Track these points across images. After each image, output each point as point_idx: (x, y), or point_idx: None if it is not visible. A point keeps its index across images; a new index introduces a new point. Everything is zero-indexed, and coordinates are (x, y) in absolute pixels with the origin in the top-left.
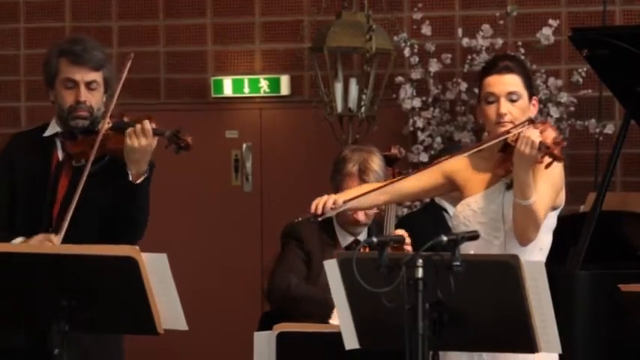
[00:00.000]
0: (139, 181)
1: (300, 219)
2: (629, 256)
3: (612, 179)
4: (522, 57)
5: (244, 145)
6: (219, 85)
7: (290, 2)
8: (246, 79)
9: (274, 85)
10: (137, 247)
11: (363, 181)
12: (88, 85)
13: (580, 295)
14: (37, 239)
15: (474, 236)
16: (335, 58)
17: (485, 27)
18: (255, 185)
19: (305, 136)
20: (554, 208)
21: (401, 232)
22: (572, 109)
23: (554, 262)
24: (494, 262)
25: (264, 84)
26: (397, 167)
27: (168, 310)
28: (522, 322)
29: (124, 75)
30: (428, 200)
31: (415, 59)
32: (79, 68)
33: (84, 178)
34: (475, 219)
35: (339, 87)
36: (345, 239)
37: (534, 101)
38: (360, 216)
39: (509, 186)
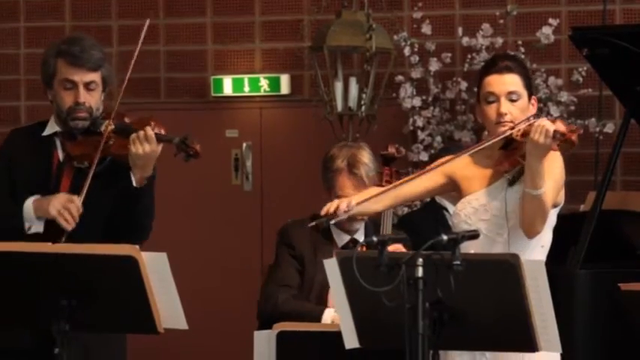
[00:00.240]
0: (142, 184)
1: (314, 223)
2: (629, 255)
3: (612, 178)
4: (522, 56)
5: (244, 145)
6: (219, 84)
7: (290, 1)
8: (246, 78)
9: (274, 84)
10: (137, 247)
11: (353, 175)
12: (87, 85)
13: (580, 294)
14: (58, 200)
15: (474, 235)
16: (335, 57)
17: (486, 26)
18: (255, 184)
19: (305, 136)
20: (554, 206)
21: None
22: (572, 108)
23: (555, 261)
24: (494, 261)
25: (264, 83)
26: (395, 166)
27: (169, 309)
28: (522, 321)
29: (139, 45)
30: (428, 199)
31: (415, 58)
32: (77, 69)
33: (88, 181)
34: (477, 216)
35: (339, 86)
36: (342, 238)
37: (533, 101)
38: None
39: (511, 182)
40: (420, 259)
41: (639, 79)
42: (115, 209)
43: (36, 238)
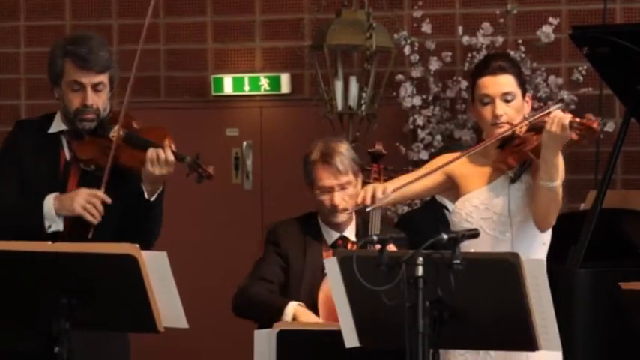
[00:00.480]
0: (154, 198)
1: (350, 210)
2: (629, 253)
3: (612, 177)
4: (523, 55)
5: (244, 143)
6: (219, 83)
7: (290, 0)
8: (246, 77)
9: (274, 83)
10: (137, 245)
11: (327, 164)
12: (95, 87)
13: (580, 293)
14: (81, 195)
15: (474, 234)
16: (335, 56)
17: (486, 25)
18: (255, 183)
19: (305, 134)
20: None
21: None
22: (572, 107)
23: (555, 260)
24: (494, 260)
25: (264, 82)
26: (382, 163)
27: (169, 307)
28: (522, 320)
29: (147, 19)
30: (428, 198)
31: (415, 57)
32: (85, 72)
33: (104, 185)
34: (478, 215)
35: (339, 85)
36: (331, 236)
37: (527, 97)
38: (337, 200)
39: (513, 180)
40: (421, 258)
41: (639, 78)
42: (124, 216)
43: (58, 236)
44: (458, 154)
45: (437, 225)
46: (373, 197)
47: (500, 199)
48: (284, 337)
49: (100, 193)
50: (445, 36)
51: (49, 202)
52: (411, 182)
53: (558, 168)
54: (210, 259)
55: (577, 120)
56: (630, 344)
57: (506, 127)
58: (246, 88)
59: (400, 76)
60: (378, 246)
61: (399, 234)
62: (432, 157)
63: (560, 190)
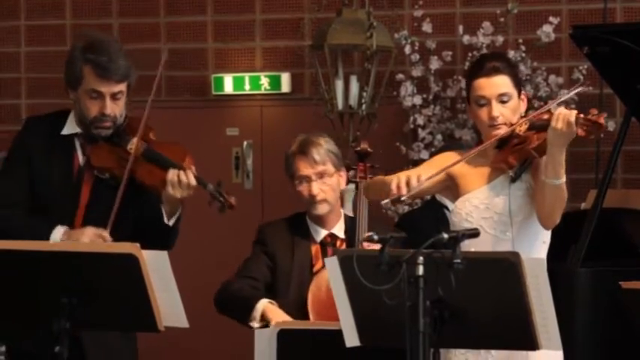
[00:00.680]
0: (172, 222)
1: (386, 200)
2: (629, 253)
3: (613, 176)
4: (523, 54)
5: (245, 143)
6: (219, 83)
7: (291, 0)
8: (246, 76)
9: (275, 82)
10: (137, 245)
11: (304, 155)
12: (114, 95)
13: (580, 293)
14: (87, 235)
15: (474, 234)
16: (335, 55)
17: (486, 24)
18: (255, 183)
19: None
20: None
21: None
22: (572, 106)
23: (555, 259)
24: (494, 260)
25: (264, 81)
26: (368, 162)
27: (169, 307)
28: (523, 320)
29: (160, 70)
30: (429, 198)
31: (416, 57)
32: (105, 81)
33: (115, 209)
34: (478, 214)
35: (339, 84)
36: (318, 233)
37: (523, 96)
38: (315, 189)
39: (514, 179)
40: (421, 258)
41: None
42: (140, 231)
43: None
44: (458, 153)
45: (437, 224)
46: (408, 184)
47: (501, 199)
48: (284, 336)
49: (106, 234)
50: (445, 35)
51: (57, 235)
52: (443, 170)
53: (563, 165)
54: (211, 258)
55: (583, 116)
56: (630, 344)
57: (504, 127)
58: (247, 87)
59: (400, 76)
60: (373, 245)
61: (387, 229)
62: (432, 156)
63: (565, 187)
